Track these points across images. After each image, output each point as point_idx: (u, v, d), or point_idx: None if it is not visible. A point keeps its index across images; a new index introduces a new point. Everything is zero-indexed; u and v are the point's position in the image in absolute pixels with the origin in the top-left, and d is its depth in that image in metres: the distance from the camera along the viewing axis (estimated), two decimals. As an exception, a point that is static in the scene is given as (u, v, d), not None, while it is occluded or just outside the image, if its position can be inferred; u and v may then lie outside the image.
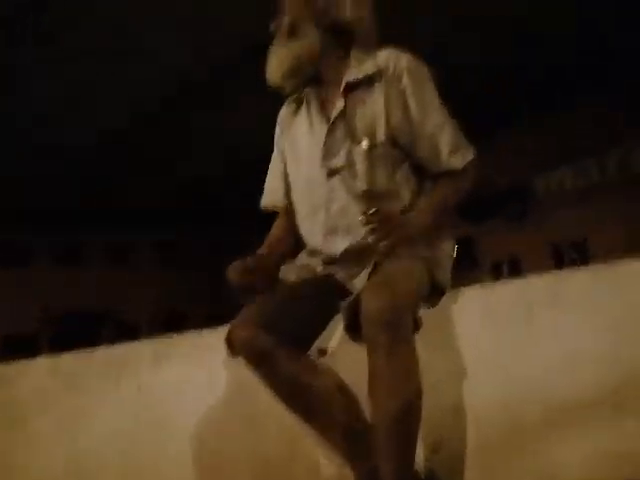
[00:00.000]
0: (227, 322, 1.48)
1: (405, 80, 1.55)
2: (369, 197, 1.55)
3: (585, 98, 6.96)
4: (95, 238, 10.30)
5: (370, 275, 1.44)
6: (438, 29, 5.68)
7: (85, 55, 5.56)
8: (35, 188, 8.09)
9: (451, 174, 1.57)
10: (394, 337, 1.26)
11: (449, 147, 1.55)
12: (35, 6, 4.74)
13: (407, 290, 1.34)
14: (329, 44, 1.60)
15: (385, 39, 1.66)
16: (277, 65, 1.59)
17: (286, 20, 1.61)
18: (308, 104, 1.67)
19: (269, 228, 1.81)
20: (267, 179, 1.80)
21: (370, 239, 1.39)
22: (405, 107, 1.55)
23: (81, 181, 8.18)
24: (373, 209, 1.39)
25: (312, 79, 1.65)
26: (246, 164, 7.66)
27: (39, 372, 1.64)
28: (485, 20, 5.61)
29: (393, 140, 1.56)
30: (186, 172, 8.46)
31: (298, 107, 1.71)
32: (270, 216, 1.81)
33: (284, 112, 1.77)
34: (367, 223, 1.39)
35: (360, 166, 1.55)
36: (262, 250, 1.64)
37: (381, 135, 1.55)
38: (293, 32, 1.60)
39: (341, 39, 1.62)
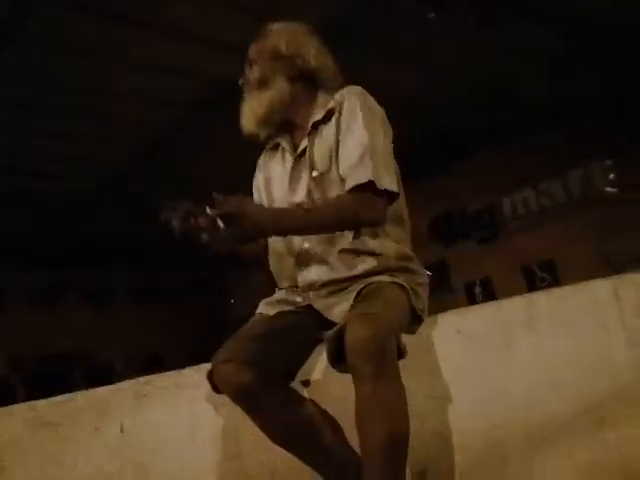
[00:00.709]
0: (208, 360, 1.48)
1: (346, 111, 1.61)
2: None
3: (554, 124, 7.19)
4: (70, 279, 10.10)
5: (351, 305, 1.46)
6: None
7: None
8: (10, 227, 7.97)
9: (352, 191, 1.52)
10: (380, 367, 1.27)
11: (351, 166, 1.53)
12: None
13: (391, 319, 1.36)
14: (297, 92, 1.69)
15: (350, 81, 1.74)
16: (250, 114, 1.68)
17: (255, 73, 1.70)
18: (282, 149, 1.74)
19: (245, 265, 1.86)
20: None
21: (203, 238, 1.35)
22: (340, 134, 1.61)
23: (59, 226, 8.08)
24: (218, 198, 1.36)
25: (284, 125, 1.74)
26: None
27: (16, 420, 1.60)
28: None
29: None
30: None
31: (274, 153, 1.79)
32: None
33: (262, 158, 1.85)
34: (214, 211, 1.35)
35: (315, 194, 1.60)
36: None
37: (332, 162, 1.60)
38: (263, 83, 1.68)
39: (308, 85, 1.71)
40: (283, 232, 1.53)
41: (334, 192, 1.59)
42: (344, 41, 4.79)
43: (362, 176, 1.51)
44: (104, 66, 5.01)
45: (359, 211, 1.51)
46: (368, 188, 1.51)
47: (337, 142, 1.61)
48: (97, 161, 6.86)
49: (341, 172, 1.57)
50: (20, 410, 1.62)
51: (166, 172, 7.18)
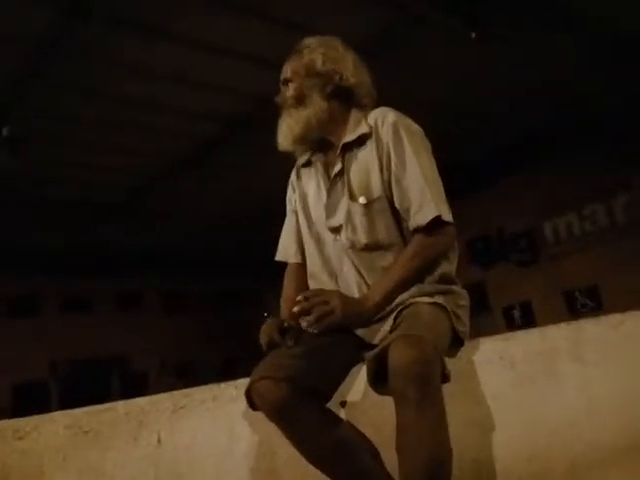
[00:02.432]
0: (238, 371, 1.49)
1: (389, 135, 1.61)
2: (370, 250, 1.60)
3: (593, 145, 7.05)
4: (105, 286, 10.31)
5: (393, 327, 1.44)
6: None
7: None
8: (45, 236, 8.18)
9: (418, 232, 1.57)
10: (424, 391, 1.25)
11: (416, 203, 1.56)
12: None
13: (435, 343, 1.34)
14: (333, 109, 1.69)
15: (383, 99, 1.74)
16: (288, 132, 1.69)
17: (291, 90, 1.70)
18: (315, 167, 1.74)
19: (275, 277, 1.88)
20: (281, 235, 1.87)
21: (303, 323, 1.46)
22: (389, 162, 1.61)
23: (94, 232, 8.28)
24: (307, 295, 1.49)
25: (318, 144, 1.74)
26: (255, 215, 7.78)
27: (56, 426, 1.63)
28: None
29: (388, 195, 1.61)
30: (197, 221, 8.56)
31: (307, 170, 1.80)
32: (276, 266, 1.88)
33: (294, 175, 1.86)
34: (301, 308, 1.47)
35: (359, 222, 1.60)
36: (284, 314, 1.68)
37: (377, 191, 1.61)
38: (300, 101, 1.68)
39: (343, 102, 1.71)
40: (379, 306, 1.54)
41: (381, 220, 1.61)
42: (384, 52, 4.86)
43: (428, 214, 1.54)
44: (138, 80, 5.14)
45: (435, 250, 1.57)
46: (436, 223, 1.54)
47: (380, 170, 1.61)
48: (129, 173, 7.02)
49: (399, 206, 1.59)
50: (60, 417, 1.64)
51: (197, 185, 7.31)
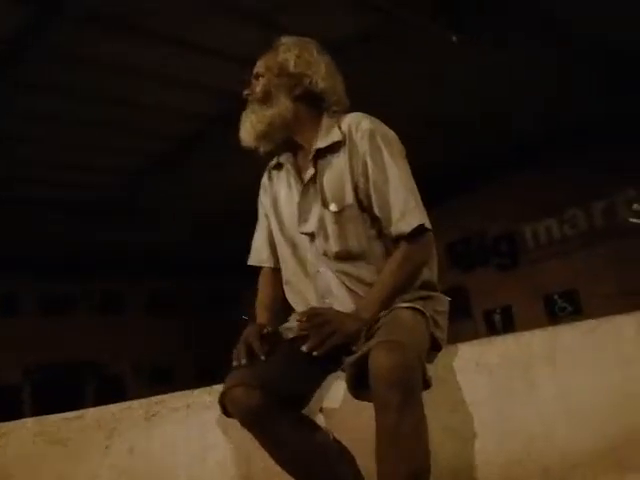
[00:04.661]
0: (216, 376, 1.47)
1: (365, 142, 1.59)
2: (342, 259, 1.59)
3: (574, 151, 7.13)
4: (83, 289, 10.18)
5: (371, 333, 1.42)
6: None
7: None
8: (21, 238, 8.06)
9: (402, 239, 1.55)
10: (406, 397, 1.24)
11: (399, 211, 1.54)
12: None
13: (416, 348, 1.32)
14: (301, 112, 1.66)
15: (355, 105, 1.71)
16: (250, 129, 1.66)
17: (260, 86, 1.67)
18: (287, 170, 1.72)
19: (255, 279, 1.84)
20: (254, 239, 1.84)
21: (304, 347, 1.41)
22: (365, 169, 1.59)
23: (75, 232, 8.17)
24: (305, 316, 1.45)
25: (287, 145, 1.72)
26: (234, 215, 7.74)
27: (26, 434, 1.59)
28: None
29: (360, 202, 1.59)
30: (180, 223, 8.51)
31: (278, 172, 1.77)
32: (255, 268, 1.86)
33: (266, 177, 1.83)
34: (301, 329, 1.44)
35: (330, 229, 1.58)
36: (261, 320, 1.66)
37: (349, 198, 1.59)
38: (266, 99, 1.65)
39: (312, 106, 1.68)
40: (372, 319, 1.48)
41: (351, 227, 1.59)
42: (361, 59, 4.85)
43: (413, 222, 1.53)
44: (120, 79, 5.08)
45: (421, 257, 1.55)
46: (419, 231, 1.53)
47: (352, 177, 1.59)
48: (114, 172, 6.94)
49: (379, 213, 1.57)
50: (31, 424, 1.61)
51: (178, 185, 7.25)
